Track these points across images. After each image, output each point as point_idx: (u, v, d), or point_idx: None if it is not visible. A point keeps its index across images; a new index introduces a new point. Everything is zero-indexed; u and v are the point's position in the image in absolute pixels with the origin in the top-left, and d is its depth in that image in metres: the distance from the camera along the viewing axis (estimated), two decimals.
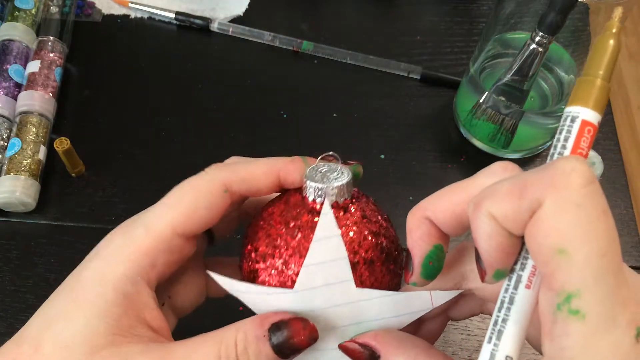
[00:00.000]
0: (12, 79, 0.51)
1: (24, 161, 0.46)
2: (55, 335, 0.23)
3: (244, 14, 0.60)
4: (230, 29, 0.58)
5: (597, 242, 0.18)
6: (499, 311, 0.21)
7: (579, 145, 0.21)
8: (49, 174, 0.49)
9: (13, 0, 0.55)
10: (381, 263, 0.26)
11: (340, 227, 0.26)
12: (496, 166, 0.23)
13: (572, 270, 0.18)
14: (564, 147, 0.21)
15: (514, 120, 0.46)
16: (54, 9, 0.57)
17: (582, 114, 0.21)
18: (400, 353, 0.23)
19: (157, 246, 0.24)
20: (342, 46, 0.57)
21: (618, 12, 0.23)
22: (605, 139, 0.53)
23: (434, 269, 0.24)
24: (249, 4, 0.60)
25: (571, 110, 0.22)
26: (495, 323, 0.21)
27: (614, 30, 0.22)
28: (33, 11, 0.55)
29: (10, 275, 0.44)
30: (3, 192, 0.45)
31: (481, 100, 0.47)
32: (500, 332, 0.21)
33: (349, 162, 0.29)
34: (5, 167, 0.46)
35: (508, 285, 0.21)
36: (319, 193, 0.26)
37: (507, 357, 0.20)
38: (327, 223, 0.25)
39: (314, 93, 0.55)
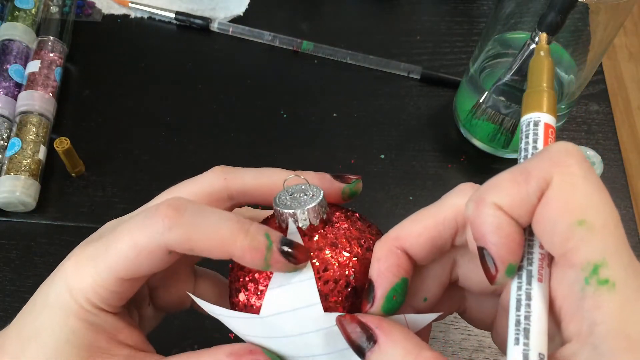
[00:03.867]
0: (12, 78, 0.51)
1: (24, 161, 0.46)
2: (29, 355, 0.23)
3: (244, 13, 0.60)
4: (230, 29, 0.58)
5: (611, 210, 0.19)
6: (518, 310, 0.20)
7: (547, 144, 0.22)
8: (49, 174, 0.49)
9: (13, 0, 0.55)
10: (343, 298, 0.24)
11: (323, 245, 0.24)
12: (464, 185, 0.23)
13: (595, 239, 0.18)
14: (535, 147, 0.22)
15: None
16: (54, 9, 0.57)
17: (542, 118, 0.23)
18: (401, 347, 0.21)
19: (104, 286, 0.23)
20: (342, 46, 0.57)
21: (543, 37, 0.27)
22: (605, 139, 0.53)
23: (396, 304, 0.23)
24: (249, 4, 0.60)
25: (531, 116, 0.23)
26: (518, 323, 0.20)
27: (545, 47, 0.25)
28: (33, 11, 0.55)
29: (10, 275, 0.44)
30: (3, 192, 0.45)
31: (481, 100, 0.47)
32: (527, 330, 0.20)
33: (348, 176, 0.28)
34: (5, 167, 0.46)
35: (520, 282, 0.21)
36: (283, 218, 0.25)
37: (539, 354, 0.20)
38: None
39: (314, 93, 0.55)
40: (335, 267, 0.24)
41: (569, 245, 0.19)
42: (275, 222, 0.26)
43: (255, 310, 0.24)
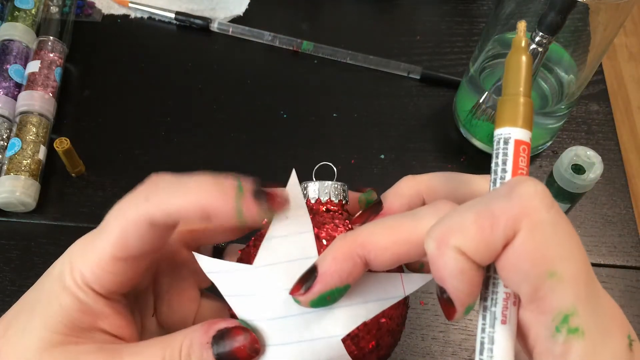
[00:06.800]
0: (12, 79, 0.51)
1: (24, 161, 0.46)
2: (19, 323, 0.24)
3: (244, 14, 0.60)
4: (230, 29, 0.58)
5: (580, 258, 0.19)
6: (481, 354, 0.20)
7: (518, 165, 0.21)
8: (49, 174, 0.49)
9: (13, 0, 0.55)
10: None
11: (317, 222, 0.25)
12: (443, 205, 0.22)
13: (565, 290, 0.18)
14: (504, 170, 0.21)
15: None
16: (54, 9, 0.57)
17: (513, 134, 0.21)
18: None
19: (100, 265, 0.24)
20: (342, 46, 0.57)
21: (522, 25, 0.22)
22: (605, 139, 0.53)
23: (326, 304, 0.23)
24: (249, 4, 0.60)
25: (502, 132, 0.21)
26: None
27: (522, 45, 0.22)
28: (33, 11, 0.55)
29: (10, 275, 0.44)
30: (3, 192, 0.45)
31: (481, 100, 0.47)
32: None
33: (362, 189, 0.28)
34: (5, 167, 0.46)
35: (484, 324, 0.21)
36: (305, 193, 0.26)
37: None
38: (294, 197, 0.25)
39: (314, 93, 0.55)
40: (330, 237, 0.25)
41: (539, 295, 0.19)
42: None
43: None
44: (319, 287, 0.22)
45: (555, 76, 0.50)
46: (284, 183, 0.28)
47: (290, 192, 0.25)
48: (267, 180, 0.53)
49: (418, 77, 0.56)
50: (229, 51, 0.58)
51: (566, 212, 0.46)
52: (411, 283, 0.24)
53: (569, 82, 0.49)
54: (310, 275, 0.22)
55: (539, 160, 0.52)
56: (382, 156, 0.52)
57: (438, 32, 0.60)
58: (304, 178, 0.28)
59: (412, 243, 0.21)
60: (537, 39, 0.41)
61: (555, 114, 0.48)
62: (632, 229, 0.48)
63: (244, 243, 0.31)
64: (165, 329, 0.29)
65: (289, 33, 0.58)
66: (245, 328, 0.23)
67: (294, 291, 0.23)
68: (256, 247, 0.25)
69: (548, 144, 0.52)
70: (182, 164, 0.50)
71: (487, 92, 0.46)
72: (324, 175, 0.28)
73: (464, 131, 0.52)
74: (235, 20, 0.59)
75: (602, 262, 0.47)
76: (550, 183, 0.44)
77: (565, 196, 0.44)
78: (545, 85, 0.50)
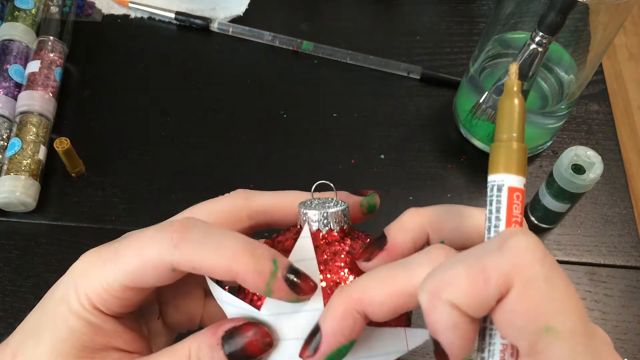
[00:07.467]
0: (12, 79, 0.51)
1: (24, 161, 0.46)
2: (27, 350, 0.24)
3: (244, 14, 0.60)
4: (230, 29, 0.58)
5: (575, 311, 0.19)
6: None
7: (512, 214, 0.21)
8: (49, 174, 0.49)
9: (13, 0, 0.55)
10: None
11: (320, 256, 0.25)
12: (437, 252, 0.22)
13: (562, 346, 0.18)
14: (497, 218, 0.21)
15: None
16: (54, 9, 0.57)
17: (507, 181, 0.21)
18: None
19: (108, 290, 0.24)
20: (342, 46, 0.57)
21: (514, 68, 0.22)
22: (605, 139, 0.53)
23: None
24: (249, 4, 0.60)
25: (495, 179, 0.21)
26: None
27: (514, 89, 0.21)
28: (33, 11, 0.55)
29: (10, 275, 0.44)
30: (3, 192, 0.45)
31: (481, 100, 0.47)
32: None
33: (363, 191, 0.28)
34: (5, 167, 0.46)
35: None
36: (305, 219, 0.26)
37: None
38: (303, 246, 0.24)
39: (314, 93, 0.55)
40: (349, 272, 0.24)
41: (536, 349, 0.19)
42: (294, 232, 0.26)
43: (257, 304, 0.24)
44: (325, 347, 0.22)
45: (555, 76, 0.50)
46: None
47: (301, 243, 0.25)
48: (266, 180, 0.53)
49: (418, 77, 0.56)
50: (229, 51, 0.58)
51: (566, 212, 0.46)
52: (415, 338, 0.24)
53: (569, 82, 0.49)
54: (314, 336, 0.22)
55: (539, 160, 0.52)
56: (382, 156, 0.52)
57: (438, 32, 0.60)
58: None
59: (408, 295, 0.21)
60: (537, 39, 0.41)
61: (555, 114, 0.48)
62: (632, 229, 0.48)
63: None
64: (172, 329, 0.29)
65: (289, 33, 0.58)
66: (255, 323, 0.23)
67: (302, 353, 0.23)
68: None
69: (548, 144, 0.52)
70: (182, 164, 0.50)
71: (487, 92, 0.46)
72: (325, 176, 0.28)
73: (464, 131, 0.52)
74: (235, 20, 0.59)
75: (602, 262, 0.47)
76: (550, 183, 0.44)
77: (565, 196, 0.44)
78: (545, 85, 0.50)
